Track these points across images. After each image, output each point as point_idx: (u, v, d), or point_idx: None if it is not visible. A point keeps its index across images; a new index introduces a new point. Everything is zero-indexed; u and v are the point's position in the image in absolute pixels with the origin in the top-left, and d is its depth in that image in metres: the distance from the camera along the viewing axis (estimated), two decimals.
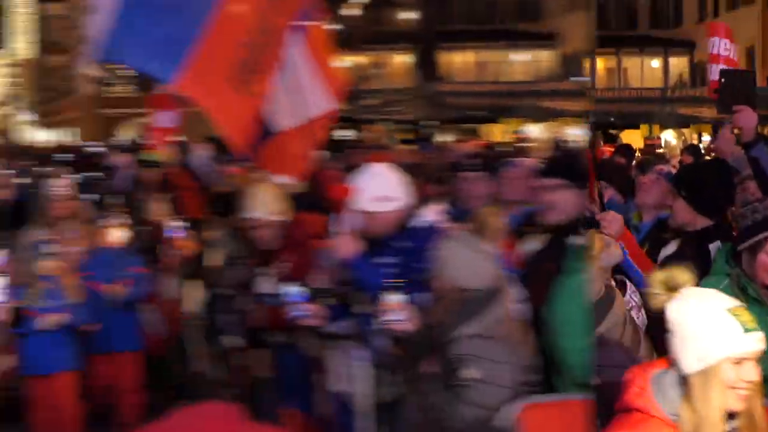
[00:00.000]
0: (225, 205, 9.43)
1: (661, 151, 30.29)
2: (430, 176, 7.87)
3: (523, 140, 30.40)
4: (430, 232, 6.35)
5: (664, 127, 40.93)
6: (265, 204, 7.25)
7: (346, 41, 42.92)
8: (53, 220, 9.35)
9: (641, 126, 38.93)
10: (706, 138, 39.58)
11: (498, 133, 33.70)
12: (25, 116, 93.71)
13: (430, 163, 8.96)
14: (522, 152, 13.55)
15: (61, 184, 9.73)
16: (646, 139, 35.87)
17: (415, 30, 44.00)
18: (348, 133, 30.36)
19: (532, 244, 6.41)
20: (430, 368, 5.50)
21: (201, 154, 12.83)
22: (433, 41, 38.93)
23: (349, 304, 6.58)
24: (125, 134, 41.91)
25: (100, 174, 18.52)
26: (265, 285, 7.00)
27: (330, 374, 6.72)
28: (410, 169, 7.57)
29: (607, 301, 5.31)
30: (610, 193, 8.27)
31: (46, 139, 70.03)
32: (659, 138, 38.95)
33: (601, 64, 55.22)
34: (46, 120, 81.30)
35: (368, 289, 6.31)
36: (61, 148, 41.22)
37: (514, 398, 5.23)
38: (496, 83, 45.55)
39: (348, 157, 12.37)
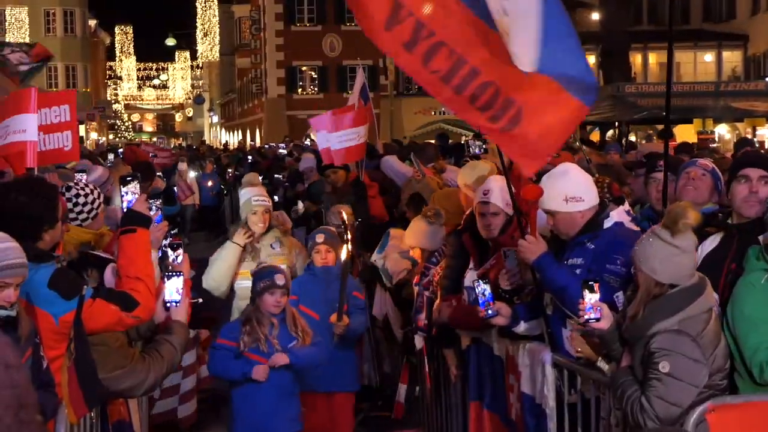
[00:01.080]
0: (416, 206, 9.45)
1: (714, 145, 30.16)
2: (617, 177, 7.88)
3: (709, 140, 30.37)
4: (618, 233, 6.39)
5: (717, 121, 40.65)
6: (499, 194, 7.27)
7: None
8: (251, 237, 8.85)
9: (694, 121, 38.61)
10: (761, 132, 39.40)
11: (686, 133, 33.60)
12: (211, 117, 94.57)
13: (617, 164, 8.97)
14: (708, 152, 13.49)
15: (257, 193, 9.15)
16: (699, 133, 35.58)
17: (602, 31, 43.81)
18: None
19: (708, 244, 6.42)
20: (624, 363, 5.57)
21: (387, 158, 12.80)
22: (620, 42, 38.67)
23: (538, 305, 6.67)
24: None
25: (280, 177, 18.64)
26: (469, 279, 7.04)
27: (520, 374, 6.78)
28: (598, 170, 7.57)
29: (696, 290, 5.35)
30: None
31: (231, 141, 70.75)
32: (713, 132, 38.75)
33: (653, 59, 55.06)
34: (232, 122, 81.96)
35: (556, 290, 6.39)
36: (246, 150, 41.49)
37: (704, 398, 5.28)
38: (683, 83, 45.46)
39: None
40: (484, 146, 9.13)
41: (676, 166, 7.73)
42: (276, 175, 19.84)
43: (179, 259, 6.74)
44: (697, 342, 5.24)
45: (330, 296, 8.49)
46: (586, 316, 5.66)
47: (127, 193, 6.01)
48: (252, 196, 9.07)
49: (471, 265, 7.49)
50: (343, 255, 8.47)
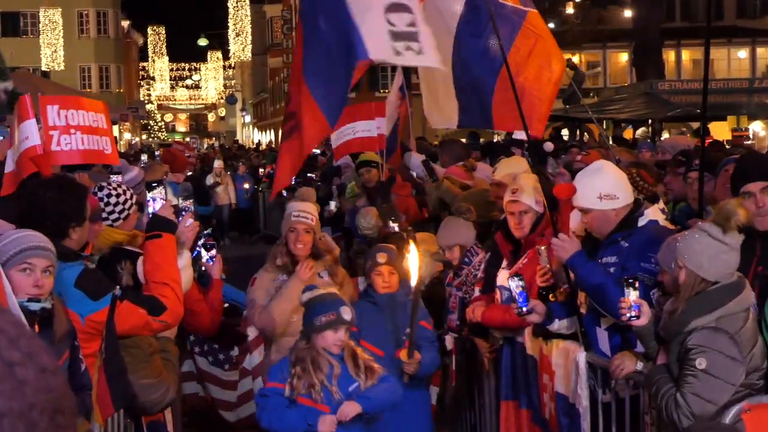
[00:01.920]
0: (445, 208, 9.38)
1: (749, 142, 29.96)
2: (651, 175, 7.84)
3: (744, 137, 30.23)
4: (653, 231, 6.34)
5: (752, 118, 40.35)
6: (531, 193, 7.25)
7: (567, 40, 43.21)
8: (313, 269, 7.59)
9: (728, 118, 38.34)
10: None
11: (721, 131, 33.48)
12: (243, 117, 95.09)
13: (649, 162, 8.94)
14: (742, 150, 13.41)
15: (299, 209, 7.80)
16: (733, 131, 35.33)
17: (634, 28, 43.78)
18: (567, 132, 30.62)
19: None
20: (661, 361, 5.54)
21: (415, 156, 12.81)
22: (653, 39, 38.63)
23: (572, 304, 6.65)
24: None
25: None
26: (502, 278, 7.02)
27: (553, 374, 6.76)
28: (630, 167, 7.54)
29: (736, 288, 5.32)
30: None
31: (264, 140, 70.93)
32: (747, 130, 38.47)
33: (686, 55, 54.79)
34: (264, 121, 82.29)
35: (589, 289, 6.36)
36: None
37: (740, 397, 5.26)
38: (717, 80, 45.34)
39: (568, 156, 12.36)
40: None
41: (715, 164, 7.67)
42: (309, 174, 19.85)
43: (213, 259, 6.76)
44: (735, 340, 5.21)
45: (394, 328, 7.20)
46: (628, 314, 5.64)
47: (153, 199, 6.06)
48: (293, 211, 7.73)
49: (504, 264, 7.48)
50: (414, 275, 6.91)
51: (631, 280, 5.67)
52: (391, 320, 7.25)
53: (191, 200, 6.70)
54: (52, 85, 31.20)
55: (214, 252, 6.82)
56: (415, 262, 6.86)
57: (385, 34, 6.35)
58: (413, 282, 6.95)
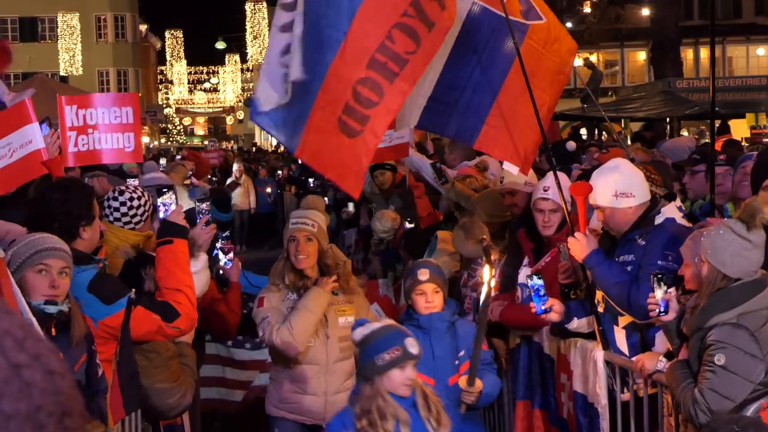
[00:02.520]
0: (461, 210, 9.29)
1: None
2: (666, 174, 7.81)
3: (762, 135, 30.13)
4: (670, 229, 6.32)
5: None
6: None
7: (585, 39, 43.16)
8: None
9: (747, 115, 38.24)
10: None
11: (739, 128, 33.41)
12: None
13: (666, 160, 8.90)
14: (758, 147, 13.35)
15: (299, 215, 7.19)
16: (752, 128, 35.23)
17: (652, 26, 43.73)
18: (585, 131, 30.60)
19: None
20: (681, 357, 5.52)
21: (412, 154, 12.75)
22: (671, 38, 38.59)
23: (590, 302, 6.62)
24: None
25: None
26: (524, 276, 6.98)
27: (571, 373, 6.74)
28: (648, 165, 7.51)
29: (758, 285, 5.29)
30: None
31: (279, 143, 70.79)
32: (766, 127, 38.33)
33: (704, 53, 54.61)
34: None
35: (606, 288, 6.34)
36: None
37: (758, 395, 5.21)
38: (735, 78, 45.30)
39: (586, 155, 12.31)
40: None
41: (734, 160, 7.64)
42: (311, 179, 19.83)
43: (230, 262, 6.76)
44: (755, 337, 5.18)
45: (440, 353, 6.40)
46: (657, 310, 5.62)
47: (163, 204, 6.05)
48: (291, 219, 7.10)
49: (525, 261, 7.45)
50: (484, 291, 6.26)
51: (660, 276, 5.65)
52: (440, 344, 6.40)
53: (208, 203, 6.69)
54: (71, 90, 31.22)
55: (231, 255, 6.81)
56: (487, 276, 6.24)
57: (279, 78, 6.42)
58: (483, 297, 6.28)
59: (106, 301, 5.37)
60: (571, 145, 11.89)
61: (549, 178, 7.26)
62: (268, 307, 6.84)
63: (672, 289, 5.78)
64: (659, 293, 5.59)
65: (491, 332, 7.68)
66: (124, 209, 6.43)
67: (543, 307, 6.44)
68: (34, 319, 4.63)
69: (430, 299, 6.49)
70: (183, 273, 5.78)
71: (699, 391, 5.19)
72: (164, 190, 6.20)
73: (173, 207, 6.06)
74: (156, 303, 5.63)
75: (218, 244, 6.93)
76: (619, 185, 6.35)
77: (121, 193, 6.51)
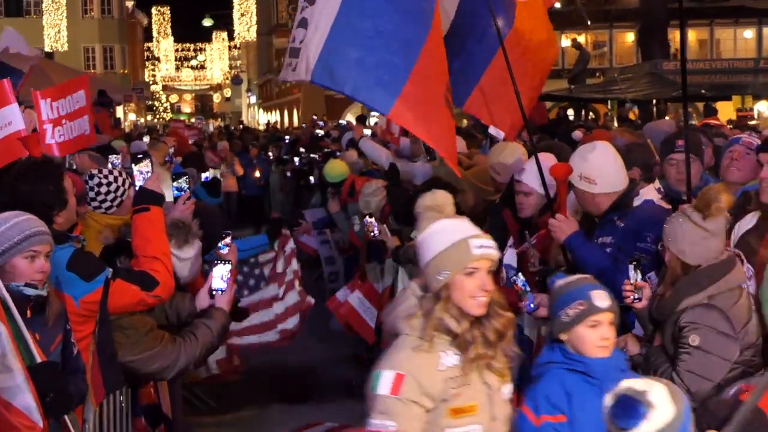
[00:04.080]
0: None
1: (754, 122, 29.87)
2: (650, 155, 7.78)
3: (747, 118, 30.14)
4: (648, 210, 6.32)
5: (757, 98, 40.26)
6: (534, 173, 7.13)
7: (574, 20, 43.05)
8: None
9: (734, 98, 38.28)
10: None
11: (726, 110, 33.46)
12: (249, 98, 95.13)
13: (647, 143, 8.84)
14: (746, 130, 13.35)
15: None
16: (738, 111, 35.25)
17: (641, 8, 43.64)
18: (572, 112, 30.62)
19: (746, 223, 6.35)
20: (656, 343, 5.52)
21: (364, 140, 12.72)
22: (659, 19, 38.59)
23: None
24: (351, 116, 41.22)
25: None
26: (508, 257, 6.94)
27: None
28: (630, 149, 7.48)
29: (726, 265, 5.32)
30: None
31: (271, 121, 70.81)
32: (752, 110, 38.37)
33: (692, 35, 54.56)
34: (269, 102, 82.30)
35: (587, 269, 6.31)
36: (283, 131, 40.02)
37: (737, 374, 5.21)
38: (722, 60, 45.30)
39: (571, 136, 12.26)
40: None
41: (698, 146, 7.59)
42: (312, 155, 19.74)
43: (227, 248, 6.74)
44: (727, 316, 5.21)
45: None
46: (632, 296, 5.63)
47: (140, 172, 6.01)
48: (473, 242, 4.25)
49: (510, 242, 7.43)
50: None
51: (636, 262, 5.65)
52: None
53: (186, 177, 6.66)
54: (57, 67, 31.08)
55: (228, 240, 6.77)
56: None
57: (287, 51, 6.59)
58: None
59: (87, 278, 5.35)
60: (578, 134, 11.81)
61: (530, 161, 7.23)
62: (407, 404, 4.18)
63: (652, 273, 5.78)
64: (634, 279, 5.60)
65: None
66: (92, 194, 6.40)
67: (532, 305, 6.41)
68: (9, 298, 4.58)
69: (606, 335, 4.82)
70: (159, 240, 5.76)
71: (677, 374, 5.20)
72: (140, 156, 6.16)
73: (149, 174, 6.01)
74: (134, 273, 5.60)
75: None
76: (584, 168, 6.36)
77: (92, 177, 6.47)
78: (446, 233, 4.27)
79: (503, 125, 7.64)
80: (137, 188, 5.98)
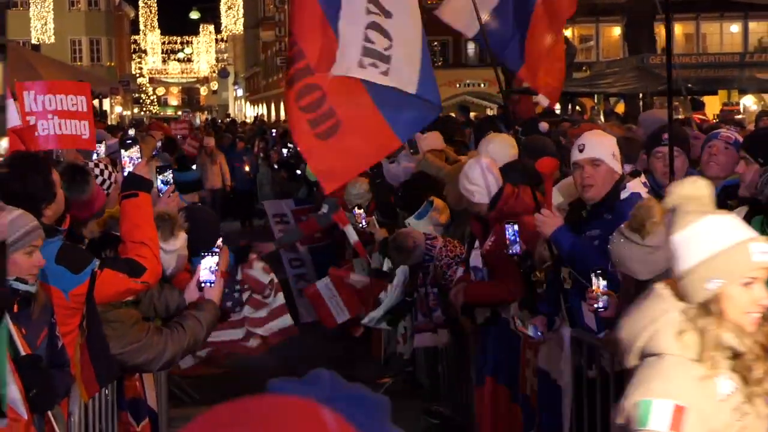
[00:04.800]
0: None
1: (739, 117, 29.93)
2: (639, 149, 7.81)
3: (733, 112, 30.13)
4: (635, 203, 6.29)
5: (743, 92, 40.35)
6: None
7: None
8: None
9: (719, 92, 38.35)
10: None
11: (711, 105, 33.52)
12: (236, 91, 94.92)
13: (640, 138, 8.84)
14: (731, 124, 13.35)
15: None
16: (724, 105, 35.29)
17: (628, 2, 43.62)
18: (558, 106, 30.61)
19: None
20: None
21: None
22: (645, 12, 38.61)
23: (555, 280, 6.60)
24: None
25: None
26: (474, 259, 7.01)
27: (537, 350, 6.74)
28: (619, 143, 7.52)
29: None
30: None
31: (258, 114, 70.54)
32: (738, 104, 38.45)
33: (678, 29, 54.64)
34: (256, 95, 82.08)
35: (574, 263, 6.34)
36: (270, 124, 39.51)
37: None
38: (708, 54, 45.28)
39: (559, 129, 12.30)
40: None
41: (684, 139, 7.63)
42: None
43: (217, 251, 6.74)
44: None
45: None
46: (595, 305, 5.69)
47: (129, 158, 6.03)
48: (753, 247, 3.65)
49: (476, 244, 7.49)
50: None
51: (599, 271, 5.73)
52: None
53: (170, 171, 6.67)
54: (43, 59, 31.01)
55: (219, 242, 6.79)
56: None
57: (358, 46, 6.68)
58: None
59: (75, 270, 5.33)
60: (544, 126, 11.86)
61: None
62: None
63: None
64: (600, 286, 5.67)
65: (463, 312, 7.73)
66: None
67: (540, 333, 6.48)
68: None
69: None
70: (147, 226, 5.77)
71: None
72: (129, 142, 6.17)
73: (138, 160, 6.04)
74: (120, 261, 5.61)
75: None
76: (615, 148, 6.45)
77: None
78: (719, 233, 3.60)
79: (545, 91, 8.08)
80: (126, 174, 6.00)
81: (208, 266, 6.12)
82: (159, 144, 13.40)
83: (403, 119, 6.81)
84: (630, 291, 5.39)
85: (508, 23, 7.87)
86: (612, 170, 6.36)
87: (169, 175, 6.58)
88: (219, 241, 6.75)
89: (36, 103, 7.56)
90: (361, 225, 9.79)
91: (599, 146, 6.38)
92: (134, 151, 6.07)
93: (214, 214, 8.66)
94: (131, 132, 14.92)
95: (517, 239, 6.82)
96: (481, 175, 7.32)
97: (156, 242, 5.79)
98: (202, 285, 6.14)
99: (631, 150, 7.60)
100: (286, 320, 8.96)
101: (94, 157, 7.32)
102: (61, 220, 5.74)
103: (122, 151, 6.10)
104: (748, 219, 5.97)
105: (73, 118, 7.73)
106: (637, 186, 6.50)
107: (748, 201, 6.08)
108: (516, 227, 6.83)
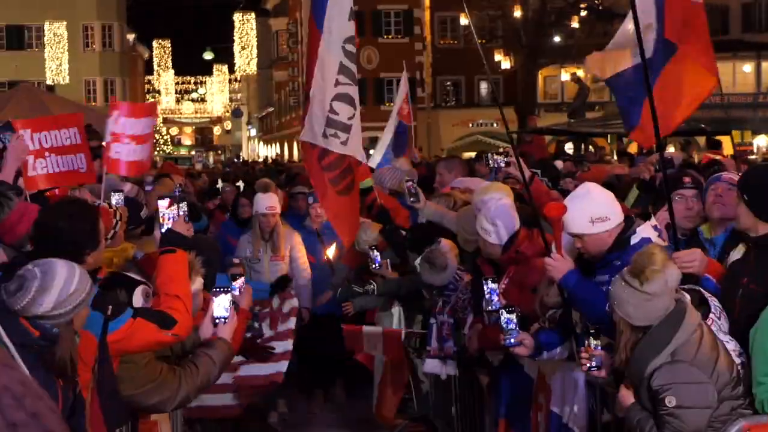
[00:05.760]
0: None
1: (753, 157, 29.93)
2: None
3: (747, 152, 30.15)
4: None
5: (756, 133, 40.38)
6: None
7: (573, 54, 43.12)
8: None
9: (732, 132, 38.33)
10: None
11: (725, 145, 33.60)
12: (249, 131, 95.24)
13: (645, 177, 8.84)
14: (744, 163, 13.34)
15: None
16: (738, 145, 35.29)
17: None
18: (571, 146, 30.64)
19: (734, 254, 6.38)
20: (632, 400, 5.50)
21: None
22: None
23: (566, 325, 6.61)
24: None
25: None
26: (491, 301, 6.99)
27: (550, 393, 6.73)
28: (628, 182, 7.52)
29: (678, 316, 5.31)
30: None
31: (270, 154, 70.58)
32: (751, 144, 38.45)
33: None
34: (270, 135, 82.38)
35: (584, 308, 6.34)
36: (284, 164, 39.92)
37: (726, 411, 5.24)
38: (721, 95, 45.47)
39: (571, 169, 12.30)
40: (505, 160, 8.81)
41: (701, 184, 7.65)
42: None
43: (240, 291, 6.81)
44: (696, 365, 5.21)
45: None
46: (588, 364, 5.74)
47: (166, 214, 6.12)
48: None
49: (486, 289, 7.49)
50: None
51: (593, 331, 5.77)
52: None
53: (242, 267, 6.84)
54: (57, 99, 31.11)
55: (242, 281, 6.87)
56: None
57: (323, 116, 7.57)
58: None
59: (111, 317, 5.37)
60: (560, 164, 11.88)
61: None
62: None
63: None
64: (592, 345, 5.74)
65: (474, 362, 7.73)
66: None
67: (513, 341, 6.46)
68: (12, 346, 4.56)
69: None
70: (182, 281, 5.88)
71: None
72: (166, 198, 6.26)
73: (176, 217, 6.16)
74: (151, 313, 5.64)
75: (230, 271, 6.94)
76: (593, 211, 6.33)
77: None
78: None
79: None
80: (164, 230, 6.11)
81: (221, 303, 6.16)
82: (178, 186, 13.39)
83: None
84: (626, 335, 5.38)
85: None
86: (600, 231, 6.33)
87: (238, 271, 6.75)
88: (241, 280, 6.81)
89: (33, 141, 7.59)
90: (374, 267, 9.88)
91: (572, 222, 6.37)
92: (173, 208, 6.15)
93: (214, 242, 8.84)
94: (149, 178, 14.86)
95: (494, 295, 6.87)
96: (500, 215, 7.41)
97: (190, 297, 5.87)
98: (216, 321, 6.18)
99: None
100: (288, 345, 9.28)
101: (113, 201, 7.30)
102: (98, 269, 5.81)
103: (160, 203, 6.20)
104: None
105: (68, 153, 7.74)
106: (647, 230, 6.50)
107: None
108: (493, 284, 6.87)
